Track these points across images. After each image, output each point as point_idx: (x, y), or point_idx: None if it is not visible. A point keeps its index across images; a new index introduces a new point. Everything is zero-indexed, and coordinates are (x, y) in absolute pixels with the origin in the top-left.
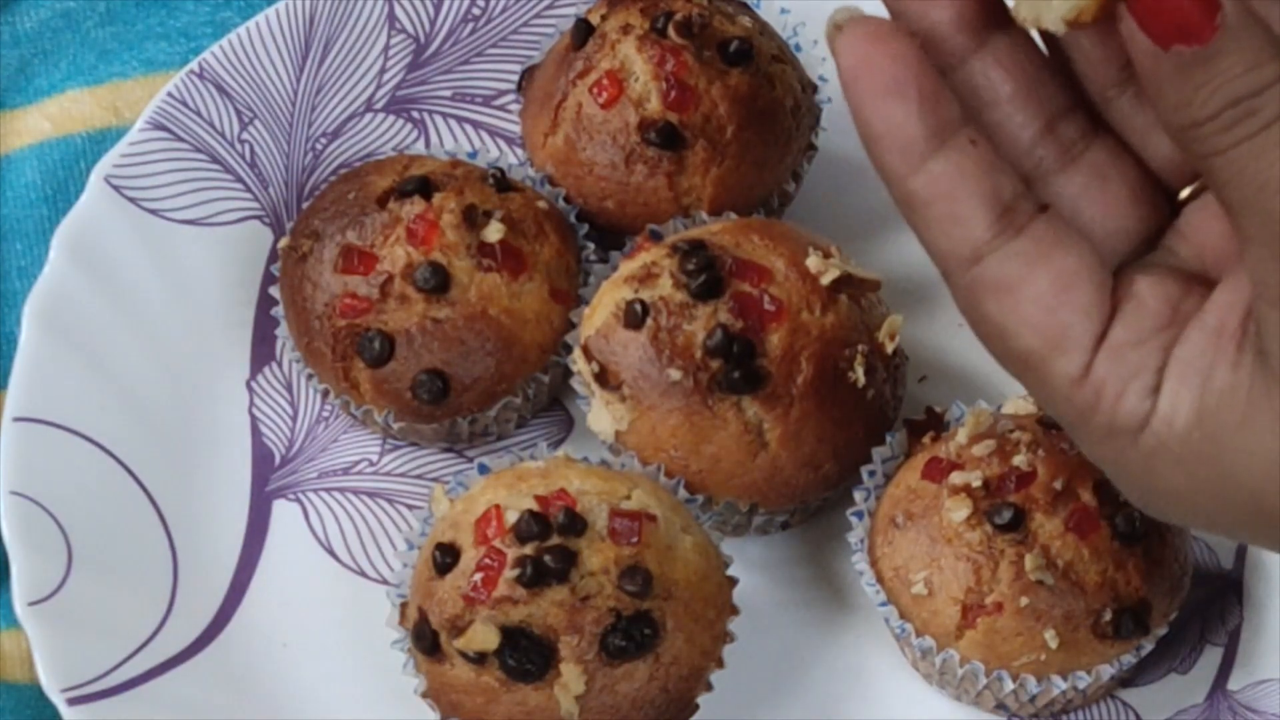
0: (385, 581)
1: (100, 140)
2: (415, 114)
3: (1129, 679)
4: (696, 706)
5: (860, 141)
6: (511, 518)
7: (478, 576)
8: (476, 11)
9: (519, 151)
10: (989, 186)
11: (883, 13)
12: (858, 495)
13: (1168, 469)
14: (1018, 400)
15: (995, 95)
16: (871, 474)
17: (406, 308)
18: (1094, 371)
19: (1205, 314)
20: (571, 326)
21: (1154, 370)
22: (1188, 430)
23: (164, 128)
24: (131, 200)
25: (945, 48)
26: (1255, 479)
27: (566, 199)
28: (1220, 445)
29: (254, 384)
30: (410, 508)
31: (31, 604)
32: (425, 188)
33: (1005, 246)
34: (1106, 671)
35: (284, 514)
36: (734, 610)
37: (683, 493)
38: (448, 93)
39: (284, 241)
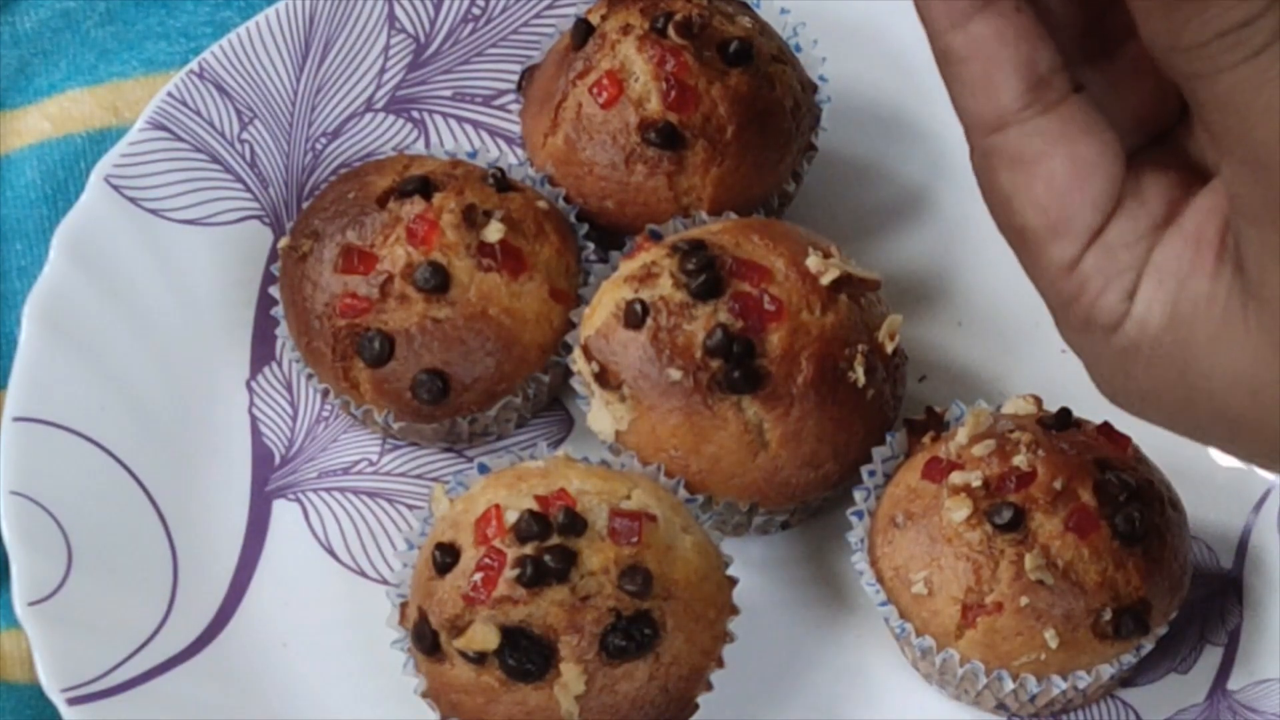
0: (385, 581)
1: (100, 140)
2: (415, 114)
3: (1129, 679)
4: (696, 706)
5: None
6: (511, 518)
7: (478, 576)
8: (476, 11)
9: (519, 151)
10: (1026, 56)
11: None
12: (858, 495)
13: (1139, 370)
14: (1018, 400)
15: None
16: (871, 474)
17: (406, 307)
18: (1083, 263)
19: (1184, 219)
20: (571, 326)
21: (1136, 271)
22: (1159, 335)
23: (164, 128)
24: (131, 200)
25: None
26: (1226, 390)
27: (566, 199)
28: (1192, 354)
29: (254, 384)
30: (410, 508)
31: (31, 604)
32: (425, 188)
33: (1031, 121)
34: (1106, 671)
35: (284, 514)
36: (734, 610)
37: (683, 493)
38: (448, 93)
39: (284, 241)
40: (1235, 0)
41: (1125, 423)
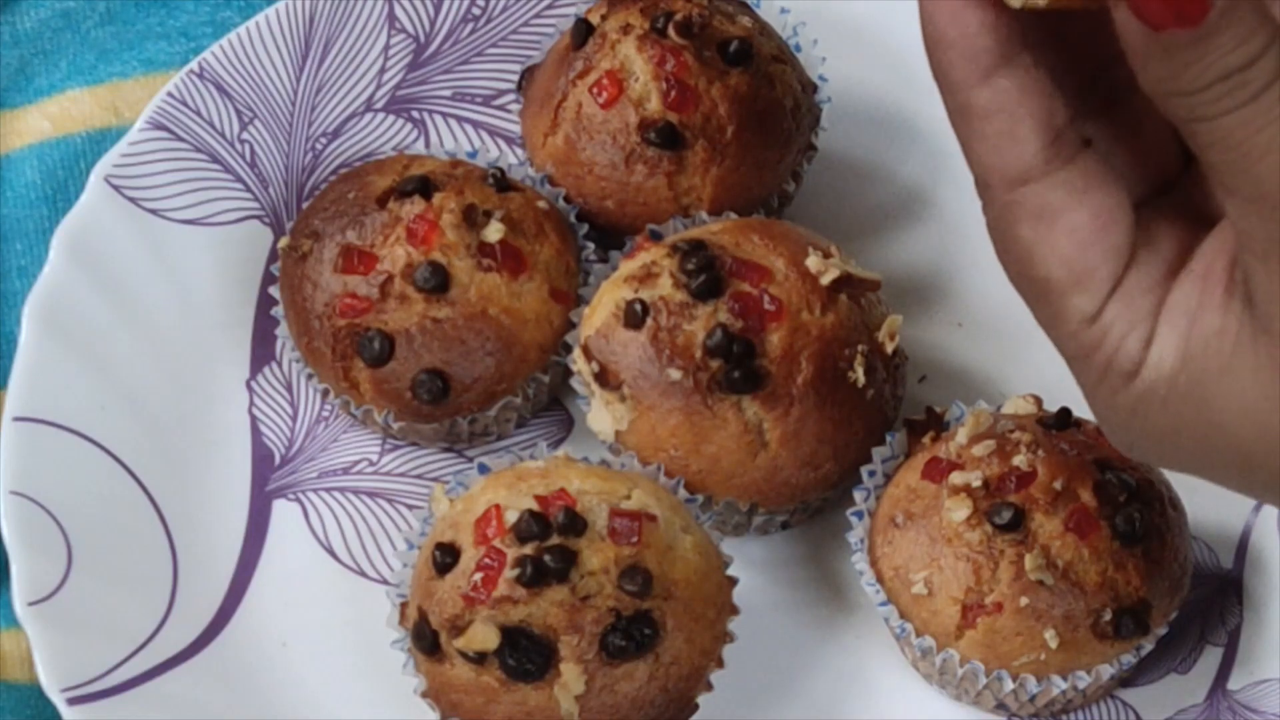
0: (385, 581)
1: (100, 140)
2: (415, 114)
3: (1129, 679)
4: (696, 706)
5: (925, 48)
6: (511, 517)
7: (478, 576)
8: (476, 11)
9: (519, 151)
10: (1047, 110)
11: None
12: (858, 495)
13: (1154, 412)
14: (1018, 400)
15: (1045, 44)
16: (871, 474)
17: (406, 307)
18: (1105, 314)
19: (1194, 261)
20: (571, 326)
21: (1153, 317)
22: (1174, 374)
23: (164, 128)
24: (131, 200)
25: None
26: (1237, 424)
27: (566, 199)
28: (1205, 389)
29: (254, 384)
30: (410, 508)
31: (31, 604)
32: (425, 187)
33: (1054, 174)
34: (1106, 671)
35: (284, 514)
36: (734, 610)
37: (683, 492)
38: (448, 93)
39: (284, 241)
40: (1234, 44)
41: None
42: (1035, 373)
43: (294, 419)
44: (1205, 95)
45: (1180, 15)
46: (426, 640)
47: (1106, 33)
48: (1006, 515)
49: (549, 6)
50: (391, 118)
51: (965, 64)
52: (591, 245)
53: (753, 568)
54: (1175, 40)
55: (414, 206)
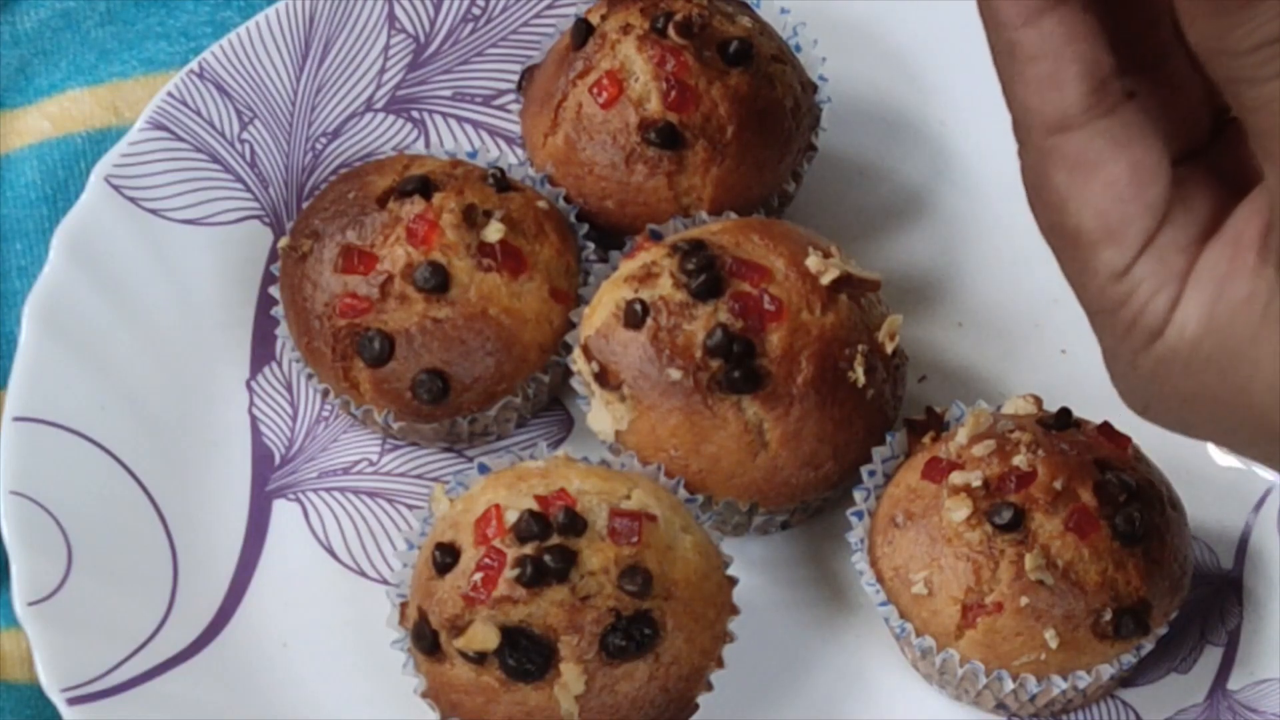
0: (385, 581)
1: (100, 140)
2: (415, 114)
3: (1129, 679)
4: (696, 706)
5: None
6: (511, 517)
7: (478, 576)
8: (476, 11)
9: (519, 151)
10: (1092, 57)
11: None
12: (858, 495)
13: (1176, 376)
14: (1018, 400)
15: None
16: (871, 474)
17: (406, 307)
18: (1134, 270)
19: (1227, 226)
20: (571, 326)
21: (1182, 278)
22: (1198, 338)
23: (164, 127)
24: (131, 200)
25: None
26: (1262, 393)
27: (566, 199)
28: (1231, 356)
29: (254, 384)
30: (410, 508)
31: (31, 604)
32: (425, 187)
33: (1095, 123)
34: (1106, 671)
35: (284, 514)
36: (734, 610)
37: (683, 492)
38: (448, 93)
39: (284, 241)
40: (1276, 13)
41: (1125, 423)
42: (1035, 373)
43: (294, 419)
44: (1252, 59)
45: None
46: (426, 640)
47: None
48: (1006, 515)
49: (549, 6)
50: (391, 118)
51: (1013, 3)
52: (591, 245)
53: (753, 568)
54: (1224, 1)
55: (414, 206)
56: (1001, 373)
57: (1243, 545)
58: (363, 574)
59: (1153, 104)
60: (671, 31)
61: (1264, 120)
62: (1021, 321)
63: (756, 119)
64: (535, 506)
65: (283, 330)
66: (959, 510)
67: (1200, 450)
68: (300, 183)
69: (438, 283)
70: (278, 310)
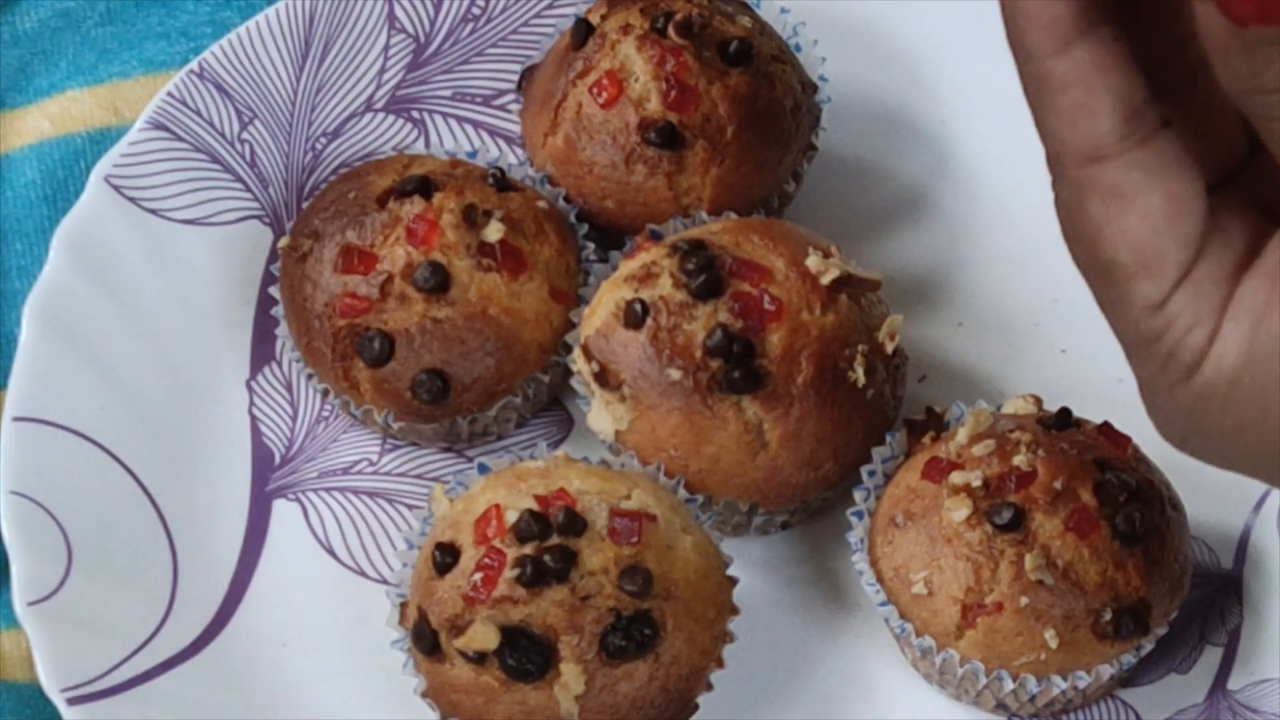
0: (385, 581)
1: (100, 140)
2: (415, 114)
3: (1129, 679)
4: (696, 706)
5: (1001, 12)
6: (511, 517)
7: (477, 576)
8: (476, 11)
9: (519, 151)
10: (1125, 85)
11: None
12: (858, 495)
13: (1214, 411)
14: (1018, 400)
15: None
16: (871, 474)
17: (406, 307)
18: (1171, 303)
19: (1264, 257)
20: (571, 326)
21: (1220, 311)
22: (1237, 373)
23: (164, 127)
24: (131, 200)
25: None
26: None
27: (566, 199)
28: (1269, 391)
29: (254, 384)
30: (410, 508)
31: (31, 604)
32: (425, 187)
33: (1129, 153)
34: (1106, 671)
35: (284, 514)
36: (734, 610)
37: (682, 492)
38: (448, 92)
39: (284, 241)
40: None
41: (1125, 423)
42: (1035, 373)
43: (294, 419)
44: None
45: (1264, 11)
46: (426, 640)
47: (1181, 12)
48: (1006, 515)
49: (549, 6)
50: (391, 118)
51: (1042, 31)
52: (591, 245)
53: (753, 568)
54: (1259, 36)
55: (414, 206)
56: (1001, 373)
57: (1243, 545)
58: (363, 574)
59: (1186, 129)
60: (671, 31)
61: None
62: (1021, 321)
63: (756, 119)
64: (535, 506)
65: (283, 330)
66: (959, 510)
67: None
68: (300, 183)
69: (438, 283)
70: (278, 310)
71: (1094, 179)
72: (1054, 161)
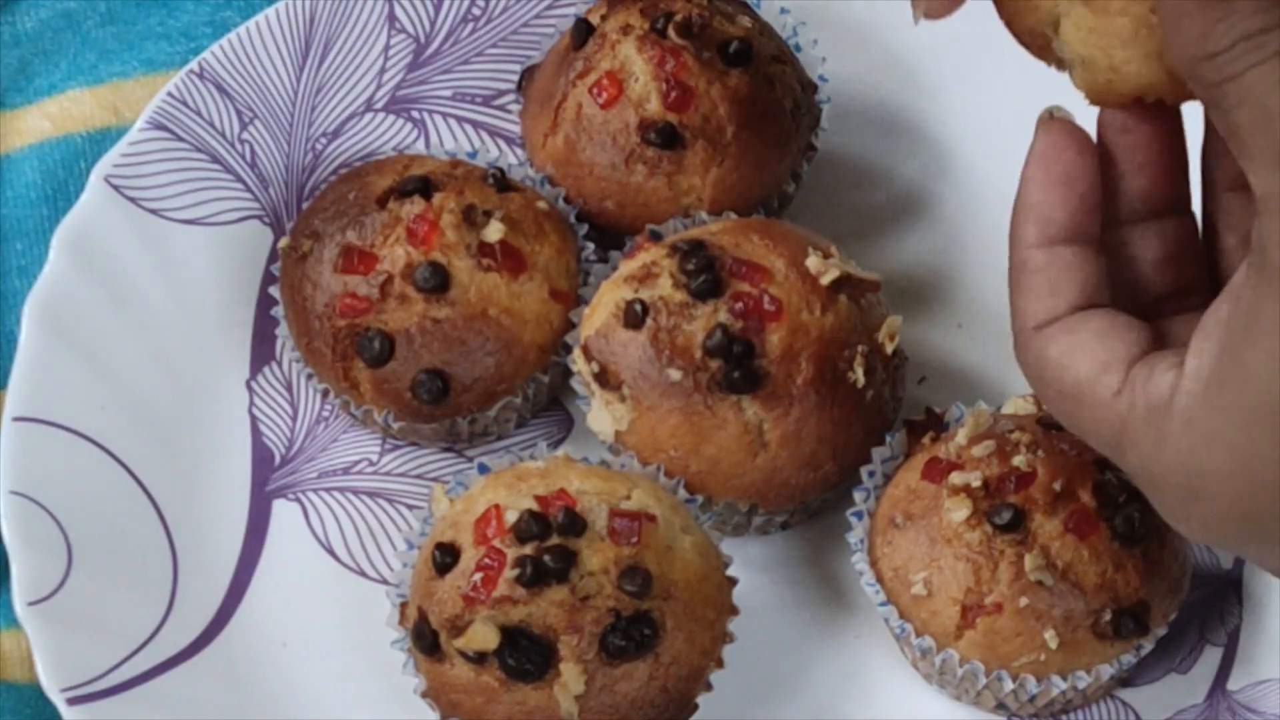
0: (385, 581)
1: (100, 140)
2: (415, 114)
3: (1129, 679)
4: (696, 706)
5: (1014, 208)
6: (511, 518)
7: (477, 576)
8: (476, 11)
9: (519, 151)
10: (1092, 283)
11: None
12: (858, 495)
13: (1204, 418)
14: (1018, 401)
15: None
16: (871, 474)
17: (406, 308)
18: (1130, 379)
19: (1222, 295)
20: (571, 326)
21: (1178, 362)
22: (1215, 366)
23: (164, 128)
24: (131, 200)
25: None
26: (1270, 376)
27: (566, 199)
28: (1239, 358)
29: (254, 384)
30: (410, 508)
31: (31, 604)
32: (425, 188)
33: (1079, 314)
34: (1106, 671)
35: (284, 514)
36: (734, 610)
37: (682, 493)
38: (448, 93)
39: (284, 241)
40: (1255, 9)
41: None
42: None
43: (294, 419)
44: (1231, 53)
45: None
46: (426, 640)
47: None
48: (1006, 515)
49: (549, 6)
50: (391, 118)
51: (1036, 228)
52: (591, 245)
53: (753, 568)
54: (1204, 2)
55: (414, 206)
56: (1001, 373)
57: None
58: (363, 574)
59: (1145, 262)
60: (671, 32)
61: (1244, 115)
62: None
63: (756, 119)
64: (535, 506)
65: (283, 330)
66: (959, 511)
67: None
68: (300, 183)
69: (438, 283)
70: (278, 310)
71: (1051, 333)
72: (1018, 332)
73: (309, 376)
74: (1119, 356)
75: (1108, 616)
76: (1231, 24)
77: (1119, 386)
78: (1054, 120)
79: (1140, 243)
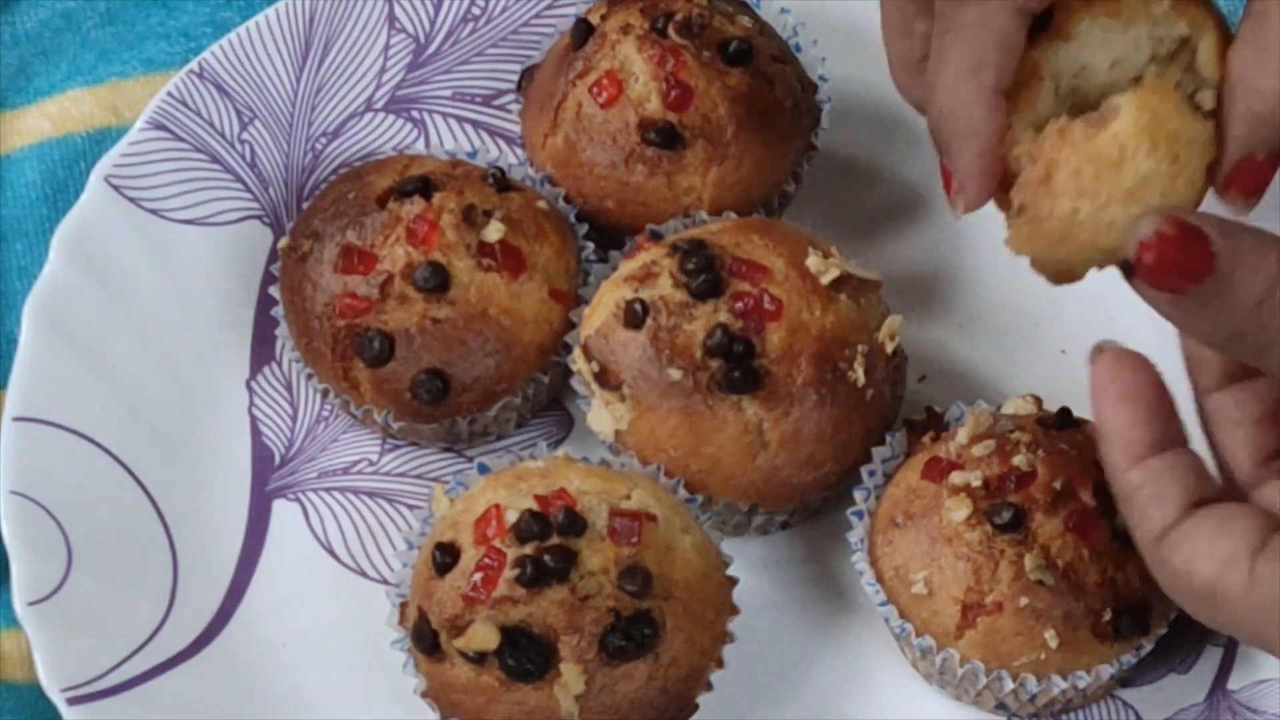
0: (385, 581)
1: (100, 140)
2: (415, 114)
3: (1129, 679)
4: (696, 706)
5: (1097, 435)
6: (511, 517)
7: (477, 576)
8: (476, 11)
9: (519, 151)
10: (1192, 481)
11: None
12: (858, 495)
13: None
14: (1018, 400)
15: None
16: (871, 474)
17: (406, 308)
18: (1256, 576)
19: None
20: (571, 326)
21: None
22: None
23: (164, 128)
24: (131, 200)
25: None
26: None
27: (566, 199)
28: None
29: (254, 384)
30: (410, 508)
31: (31, 604)
32: (425, 187)
33: (1193, 517)
34: (1106, 671)
35: (284, 514)
36: (734, 610)
37: (682, 492)
38: (448, 93)
39: (284, 241)
40: (1253, 272)
41: None
42: (1035, 373)
43: (294, 419)
44: (1255, 322)
45: (1188, 273)
46: (426, 640)
47: None
48: (1006, 515)
49: (549, 6)
50: (391, 118)
51: (1121, 452)
52: (591, 245)
53: (753, 568)
54: (1201, 294)
55: (414, 206)
56: (1001, 373)
57: None
58: (363, 574)
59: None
60: (671, 31)
61: None
62: (1021, 321)
63: (756, 119)
64: (535, 506)
65: (283, 330)
66: (959, 510)
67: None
68: (300, 183)
69: (438, 283)
70: (278, 310)
71: (1172, 543)
72: (1144, 550)
73: (309, 376)
74: (1239, 553)
75: (1108, 616)
76: (1241, 299)
77: (1247, 582)
78: (1105, 352)
79: (1236, 408)
